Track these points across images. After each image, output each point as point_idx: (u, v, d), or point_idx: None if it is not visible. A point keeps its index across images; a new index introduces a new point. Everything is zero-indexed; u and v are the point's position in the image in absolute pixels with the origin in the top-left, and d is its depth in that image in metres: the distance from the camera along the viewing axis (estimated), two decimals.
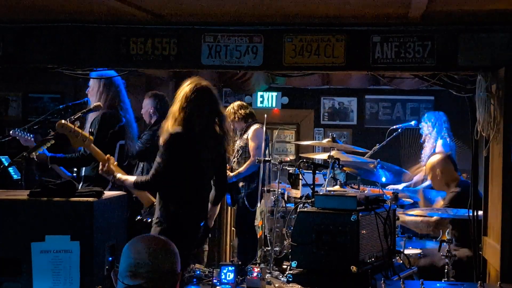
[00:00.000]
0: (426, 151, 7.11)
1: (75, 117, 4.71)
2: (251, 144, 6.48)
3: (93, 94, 4.98)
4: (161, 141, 4.10)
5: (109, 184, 4.82)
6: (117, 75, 4.97)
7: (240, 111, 6.68)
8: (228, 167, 6.73)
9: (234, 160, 6.56)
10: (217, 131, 4.25)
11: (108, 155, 4.25)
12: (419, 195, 6.52)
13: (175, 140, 4.03)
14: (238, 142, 6.69)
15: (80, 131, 4.12)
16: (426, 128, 7.14)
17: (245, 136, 6.59)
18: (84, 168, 4.97)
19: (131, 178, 4.20)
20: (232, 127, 6.73)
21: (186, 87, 4.16)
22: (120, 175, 4.21)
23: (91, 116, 4.94)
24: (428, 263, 5.23)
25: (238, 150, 6.60)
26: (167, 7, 4.21)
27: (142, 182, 4.12)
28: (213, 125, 4.23)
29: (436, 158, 5.70)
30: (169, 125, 4.10)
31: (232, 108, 6.72)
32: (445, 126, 7.05)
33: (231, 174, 6.48)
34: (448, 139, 6.98)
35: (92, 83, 5.02)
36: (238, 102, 6.93)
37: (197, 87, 4.16)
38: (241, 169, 6.36)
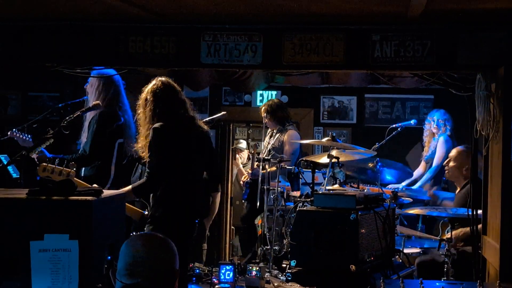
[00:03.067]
0: (427, 149, 7.07)
1: (74, 115, 4.71)
2: (287, 148, 6.43)
3: (92, 92, 4.97)
4: (142, 147, 4.19)
5: (108, 183, 4.82)
6: (116, 74, 4.96)
7: (277, 112, 6.60)
8: (256, 163, 6.72)
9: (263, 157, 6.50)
10: (192, 119, 4.30)
11: (94, 186, 4.17)
12: (430, 194, 6.52)
13: (159, 132, 4.07)
14: (269, 140, 6.65)
15: (61, 168, 4.10)
16: (431, 126, 7.06)
17: (280, 138, 6.54)
18: (83, 168, 4.96)
19: (126, 188, 4.17)
20: (264, 122, 6.72)
21: (147, 89, 4.30)
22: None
23: (89, 115, 4.93)
24: (428, 259, 5.20)
25: (269, 150, 6.55)
26: (166, 6, 4.20)
27: (141, 185, 4.12)
28: (185, 113, 4.28)
29: (461, 149, 5.61)
30: (144, 131, 4.17)
31: (269, 106, 6.66)
32: (448, 124, 6.99)
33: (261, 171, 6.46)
34: (449, 137, 6.94)
35: (92, 81, 5.01)
36: (276, 101, 6.86)
37: (158, 85, 4.28)
38: (272, 168, 6.14)
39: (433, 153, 6.93)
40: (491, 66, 4.22)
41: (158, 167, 4.06)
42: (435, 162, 6.79)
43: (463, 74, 4.51)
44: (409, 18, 4.12)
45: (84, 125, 4.97)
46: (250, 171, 6.62)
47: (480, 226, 4.58)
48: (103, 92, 4.93)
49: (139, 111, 4.32)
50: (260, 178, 6.16)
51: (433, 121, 7.00)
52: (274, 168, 5.98)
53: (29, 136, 5.03)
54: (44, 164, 4.09)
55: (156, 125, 4.10)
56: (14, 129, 5.02)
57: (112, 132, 4.89)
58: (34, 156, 4.68)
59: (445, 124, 6.93)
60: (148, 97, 4.25)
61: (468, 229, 4.93)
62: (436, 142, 6.93)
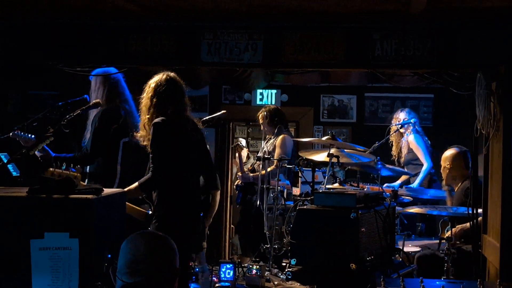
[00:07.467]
0: (396, 149, 7.03)
1: (75, 113, 4.69)
2: (277, 151, 6.44)
3: (93, 91, 4.95)
4: (142, 136, 4.16)
5: (115, 183, 4.78)
6: (117, 72, 4.94)
7: (274, 118, 6.64)
8: (249, 167, 6.72)
9: (257, 162, 6.49)
10: (189, 117, 4.28)
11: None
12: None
13: (160, 127, 4.05)
14: (264, 145, 6.67)
15: (67, 172, 4.11)
16: (397, 127, 7.01)
17: (274, 143, 6.56)
18: (88, 166, 4.93)
19: (133, 185, 4.17)
20: (262, 128, 6.75)
21: (154, 79, 4.22)
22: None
23: (91, 114, 4.91)
24: (428, 253, 5.18)
25: (264, 154, 6.57)
26: (167, 4, 4.20)
27: (147, 180, 4.11)
28: (185, 111, 4.25)
29: (450, 152, 5.61)
30: (145, 120, 4.14)
31: (267, 111, 6.69)
32: (415, 120, 6.93)
33: (251, 174, 6.48)
34: (420, 134, 6.89)
35: (92, 83, 4.98)
36: (274, 107, 6.93)
37: (165, 77, 4.21)
38: (262, 172, 6.09)
39: (409, 155, 6.90)
40: (492, 64, 4.22)
41: (161, 161, 4.06)
42: (424, 162, 6.75)
43: (464, 72, 4.51)
44: (410, 16, 4.12)
45: (87, 124, 4.94)
46: (240, 174, 6.63)
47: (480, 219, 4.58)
48: (100, 89, 4.88)
49: (142, 96, 4.26)
50: (254, 180, 6.18)
51: (399, 120, 6.93)
52: (263, 172, 6.00)
53: (32, 136, 4.99)
54: (51, 169, 4.10)
55: (157, 120, 4.09)
56: (15, 130, 4.97)
57: (117, 130, 4.84)
58: (38, 154, 4.66)
59: (410, 122, 6.87)
60: (152, 86, 4.21)
61: (465, 224, 4.93)
62: (407, 143, 6.88)
